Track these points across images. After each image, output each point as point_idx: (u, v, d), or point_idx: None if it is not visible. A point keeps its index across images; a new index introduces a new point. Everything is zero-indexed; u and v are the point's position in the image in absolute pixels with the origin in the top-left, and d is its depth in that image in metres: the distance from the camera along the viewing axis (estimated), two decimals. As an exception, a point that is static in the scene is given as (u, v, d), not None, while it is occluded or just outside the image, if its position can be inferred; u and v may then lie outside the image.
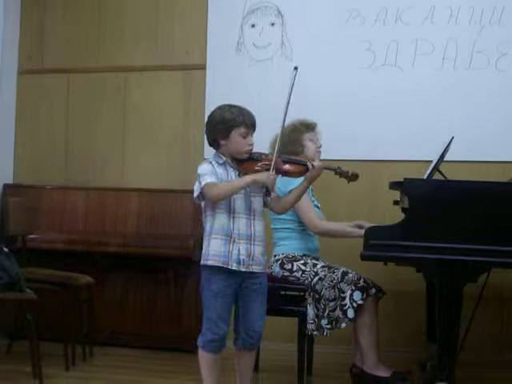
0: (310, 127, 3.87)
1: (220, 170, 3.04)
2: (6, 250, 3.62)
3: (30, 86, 5.13)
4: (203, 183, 2.97)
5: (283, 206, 3.20)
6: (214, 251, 3.01)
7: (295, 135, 3.82)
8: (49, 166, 5.05)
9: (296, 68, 3.05)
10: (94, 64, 5.04)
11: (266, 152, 3.12)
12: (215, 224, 3.02)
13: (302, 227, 3.77)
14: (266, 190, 3.09)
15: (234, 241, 3.00)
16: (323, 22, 4.66)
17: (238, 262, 3.00)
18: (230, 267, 2.99)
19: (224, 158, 3.07)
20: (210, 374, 3.07)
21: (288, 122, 3.81)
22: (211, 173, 3.00)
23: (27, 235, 4.40)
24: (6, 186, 4.86)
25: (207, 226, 3.06)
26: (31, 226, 4.44)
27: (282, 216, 3.60)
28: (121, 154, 4.98)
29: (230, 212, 3.02)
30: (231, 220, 3.01)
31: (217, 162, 3.07)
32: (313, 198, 3.85)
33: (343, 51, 4.61)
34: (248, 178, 2.99)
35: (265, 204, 3.14)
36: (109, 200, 4.72)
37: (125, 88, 4.99)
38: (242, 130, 3.03)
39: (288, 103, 3.04)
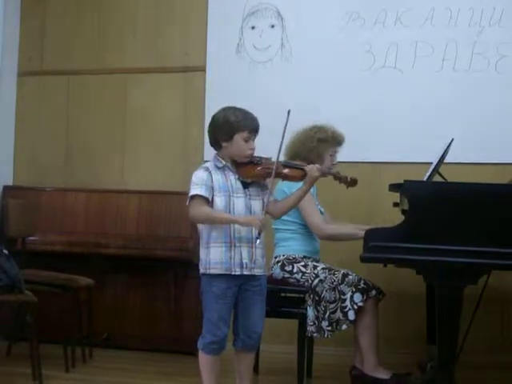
0: (339, 142, 3.83)
1: (218, 176, 3.03)
2: (5, 251, 3.62)
3: (30, 87, 5.14)
4: (190, 194, 2.98)
5: (281, 210, 3.19)
6: (215, 259, 3.00)
7: (322, 147, 3.77)
8: (49, 167, 5.05)
9: (289, 112, 3.03)
10: (94, 66, 5.04)
11: (266, 156, 3.11)
12: (213, 231, 3.01)
13: (304, 229, 3.77)
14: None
15: (234, 245, 3.00)
16: (323, 24, 4.66)
17: (241, 266, 3.00)
18: (233, 273, 2.99)
19: (223, 162, 3.06)
20: (210, 376, 3.07)
21: (320, 124, 3.83)
22: (203, 183, 2.98)
23: (27, 237, 4.40)
24: (5, 188, 4.86)
25: (204, 234, 3.05)
26: (31, 227, 4.44)
27: (285, 217, 3.60)
28: (121, 155, 4.98)
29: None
30: (231, 225, 3.00)
31: (216, 165, 3.06)
32: (316, 203, 3.85)
33: (343, 53, 4.62)
34: (233, 219, 2.97)
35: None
36: (109, 202, 4.72)
37: (125, 90, 4.99)
38: (245, 134, 3.02)
39: (281, 146, 3.03)
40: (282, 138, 3.02)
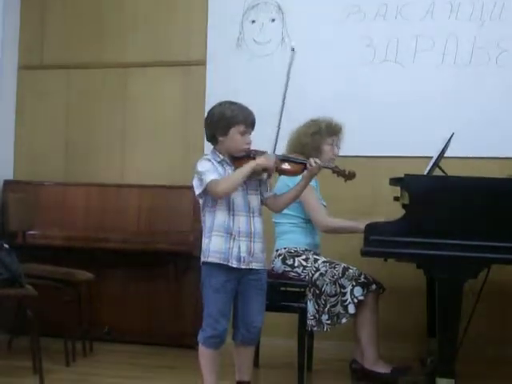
0: (333, 132, 3.83)
1: (218, 168, 3.03)
2: (6, 246, 3.62)
3: (29, 81, 5.13)
4: (207, 180, 2.96)
5: (281, 205, 3.19)
6: (214, 248, 3.00)
7: (316, 139, 3.78)
8: (49, 162, 5.05)
9: (293, 49, 3.02)
10: (93, 60, 5.04)
11: (262, 150, 3.10)
12: (216, 221, 3.02)
13: (306, 223, 3.78)
14: (267, 175, 3.06)
15: (234, 238, 3.00)
16: (323, 18, 4.65)
17: (239, 260, 3.00)
18: (230, 264, 2.99)
19: (221, 156, 3.06)
20: (210, 370, 3.07)
21: (316, 118, 3.83)
22: (212, 170, 2.99)
23: (27, 231, 4.41)
24: (6, 182, 4.86)
25: (207, 224, 3.05)
26: (31, 222, 4.45)
27: (287, 211, 3.60)
28: (121, 149, 4.98)
29: (230, 210, 3.01)
30: (231, 217, 3.01)
31: (214, 159, 3.06)
32: (319, 196, 3.84)
33: (343, 47, 4.61)
34: (248, 166, 2.97)
35: (262, 202, 3.14)
36: (109, 196, 4.71)
37: (125, 84, 4.99)
38: (241, 128, 3.02)
39: (286, 86, 3.02)
40: (287, 84, 3.01)
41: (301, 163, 3.08)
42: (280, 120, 3.07)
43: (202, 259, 3.06)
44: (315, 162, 3.05)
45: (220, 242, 3.00)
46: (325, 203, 3.89)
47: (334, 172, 3.16)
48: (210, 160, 3.04)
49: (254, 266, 3.04)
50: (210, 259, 3.01)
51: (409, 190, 3.19)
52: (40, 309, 3.75)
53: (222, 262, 2.99)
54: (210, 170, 2.99)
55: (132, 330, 4.57)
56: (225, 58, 4.81)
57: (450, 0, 4.48)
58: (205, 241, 3.05)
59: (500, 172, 4.06)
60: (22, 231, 4.38)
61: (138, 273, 4.62)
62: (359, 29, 4.61)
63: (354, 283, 3.57)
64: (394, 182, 3.62)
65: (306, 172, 3.06)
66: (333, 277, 3.60)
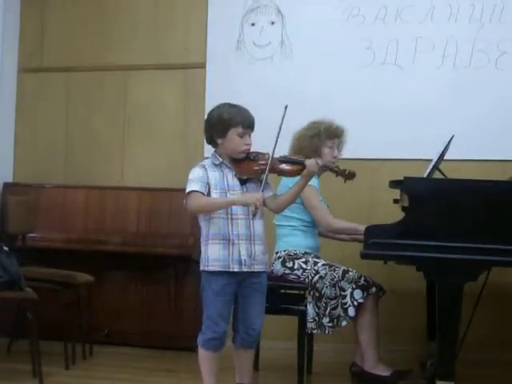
0: (333, 134, 3.82)
1: (215, 173, 3.02)
2: (6, 248, 3.62)
3: (29, 84, 5.14)
4: (188, 190, 2.97)
5: (280, 205, 3.17)
6: (213, 256, 2.99)
7: (315, 142, 3.78)
8: (49, 164, 5.05)
9: (286, 107, 3.02)
10: (93, 62, 5.04)
11: (263, 151, 3.10)
12: (211, 229, 3.01)
13: (307, 226, 3.78)
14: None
15: (233, 243, 2.99)
16: (323, 20, 4.66)
17: (240, 263, 2.99)
18: (231, 270, 2.98)
19: (221, 159, 3.05)
20: (210, 372, 3.07)
21: (317, 120, 3.83)
22: (198, 180, 2.98)
23: (27, 234, 4.40)
24: (5, 185, 4.86)
25: (204, 231, 3.05)
26: (31, 224, 4.44)
27: (287, 213, 3.60)
28: (121, 152, 4.98)
29: (228, 214, 3.00)
30: (229, 222, 2.99)
31: (213, 163, 3.05)
32: (321, 198, 3.84)
33: (343, 50, 4.62)
34: (230, 200, 2.98)
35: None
36: (108, 199, 4.72)
37: (125, 86, 4.99)
38: (239, 129, 3.01)
39: (277, 141, 3.01)
40: (278, 133, 3.01)
41: (300, 164, 3.07)
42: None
43: (202, 268, 3.04)
44: (315, 162, 3.04)
45: (218, 250, 2.99)
46: (328, 205, 3.87)
47: (333, 172, 3.15)
48: (203, 166, 3.03)
49: (256, 268, 3.03)
50: (210, 268, 3.00)
51: (408, 193, 3.19)
52: (40, 312, 3.74)
53: (222, 269, 2.98)
54: (196, 179, 2.98)
55: (132, 332, 4.57)
56: (224, 60, 4.81)
57: (449, 2, 4.49)
58: (203, 248, 3.05)
59: (500, 174, 4.07)
60: (22, 234, 4.38)
61: (137, 275, 4.62)
62: (359, 31, 4.61)
63: (354, 286, 3.57)
64: (394, 184, 3.62)
65: (304, 171, 3.05)
66: (332, 279, 3.60)
